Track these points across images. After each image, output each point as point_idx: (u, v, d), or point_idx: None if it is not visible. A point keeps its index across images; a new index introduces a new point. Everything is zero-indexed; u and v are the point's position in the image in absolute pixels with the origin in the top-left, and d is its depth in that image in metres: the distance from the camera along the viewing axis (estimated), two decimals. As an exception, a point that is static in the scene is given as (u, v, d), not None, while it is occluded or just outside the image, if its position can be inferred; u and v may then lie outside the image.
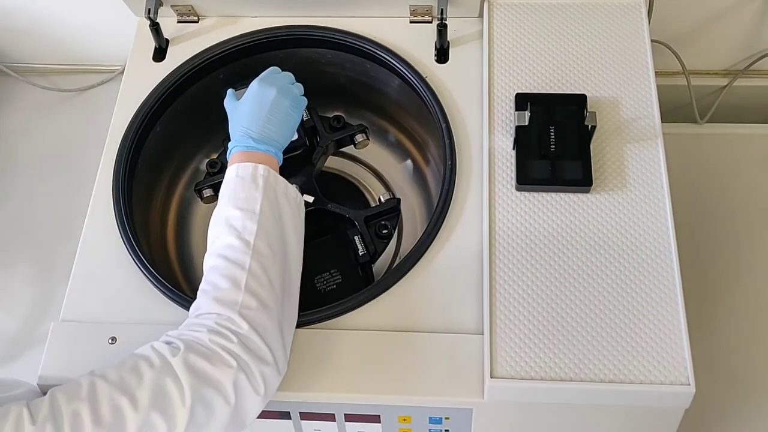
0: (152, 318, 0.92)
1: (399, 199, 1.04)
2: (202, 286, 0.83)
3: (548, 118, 0.96)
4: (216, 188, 1.05)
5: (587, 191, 0.94)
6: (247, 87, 0.95)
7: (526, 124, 0.95)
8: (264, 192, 0.87)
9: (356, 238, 1.00)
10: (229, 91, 0.98)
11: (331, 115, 1.09)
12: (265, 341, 0.79)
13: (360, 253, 0.99)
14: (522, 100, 0.98)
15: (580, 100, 0.97)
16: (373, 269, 1.03)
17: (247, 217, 0.85)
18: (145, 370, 0.75)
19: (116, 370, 0.75)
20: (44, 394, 0.89)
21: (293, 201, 0.90)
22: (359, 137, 1.08)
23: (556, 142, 0.95)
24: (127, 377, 0.74)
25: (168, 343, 0.79)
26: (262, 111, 0.92)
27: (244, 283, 0.81)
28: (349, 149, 1.12)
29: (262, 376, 0.78)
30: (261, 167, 0.88)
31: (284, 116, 0.93)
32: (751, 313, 1.13)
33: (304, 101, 0.97)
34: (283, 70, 1.13)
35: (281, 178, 0.90)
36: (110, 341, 0.90)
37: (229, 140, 0.93)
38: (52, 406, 0.72)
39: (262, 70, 1.13)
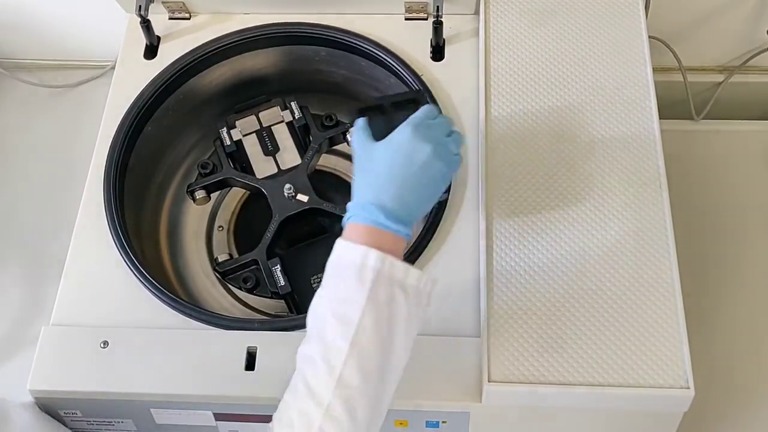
0: (145, 321, 0.91)
1: None
2: (285, 395, 0.72)
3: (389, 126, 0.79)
4: (208, 189, 1.04)
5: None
6: (379, 117, 0.78)
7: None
8: (369, 294, 0.70)
9: None
10: (362, 122, 0.78)
11: (323, 114, 1.07)
12: None
13: None
14: (361, 113, 0.81)
15: (417, 98, 0.84)
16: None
17: (339, 332, 0.70)
18: None
19: None
20: (36, 403, 0.88)
21: (412, 292, 0.72)
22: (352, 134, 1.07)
23: None
24: None
25: None
26: (406, 174, 0.73)
27: (316, 427, 0.68)
28: (345, 147, 1.11)
29: None
30: (373, 255, 0.71)
31: (433, 185, 0.75)
32: (749, 312, 1.12)
33: (458, 162, 0.79)
34: (278, 66, 1.12)
35: (399, 264, 0.72)
36: (102, 345, 0.89)
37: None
38: None
39: (257, 68, 1.12)
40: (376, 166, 0.75)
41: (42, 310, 1.07)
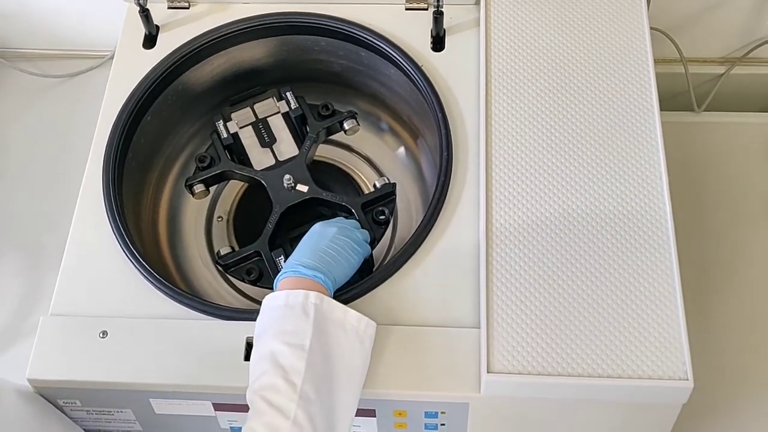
0: (144, 312, 0.91)
1: (395, 184, 1.02)
2: (244, 429, 0.78)
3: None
4: (207, 183, 1.04)
5: None
6: None
7: None
8: (314, 324, 0.81)
9: None
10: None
11: (319, 103, 1.07)
12: None
13: None
14: None
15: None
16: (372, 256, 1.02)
17: (295, 355, 0.79)
18: None
19: None
20: (36, 391, 0.89)
21: (352, 331, 0.83)
22: (349, 123, 1.07)
23: None
24: None
25: None
26: (319, 243, 0.87)
27: None
28: (342, 137, 1.11)
29: None
30: (312, 295, 0.82)
31: (342, 252, 0.87)
32: (748, 304, 1.12)
33: (368, 249, 0.92)
34: (277, 56, 1.12)
35: (338, 304, 0.84)
36: (101, 335, 0.89)
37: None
38: None
39: (257, 58, 1.11)
40: (297, 248, 0.89)
41: (41, 299, 1.07)
